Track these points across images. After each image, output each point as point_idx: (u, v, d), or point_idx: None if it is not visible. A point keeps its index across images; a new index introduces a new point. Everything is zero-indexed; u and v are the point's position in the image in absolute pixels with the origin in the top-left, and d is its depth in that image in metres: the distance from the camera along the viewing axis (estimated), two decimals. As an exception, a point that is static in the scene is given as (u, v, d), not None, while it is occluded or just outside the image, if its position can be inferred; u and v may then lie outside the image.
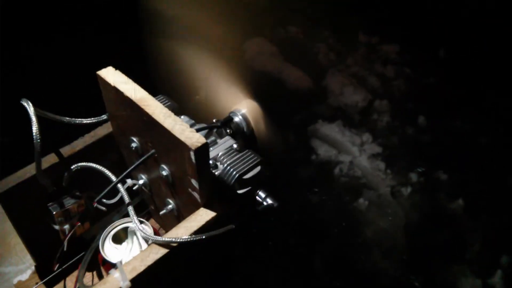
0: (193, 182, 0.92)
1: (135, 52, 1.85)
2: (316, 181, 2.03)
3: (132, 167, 1.00)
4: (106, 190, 0.97)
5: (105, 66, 1.10)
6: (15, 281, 1.15)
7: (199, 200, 0.95)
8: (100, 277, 1.14)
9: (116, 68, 1.07)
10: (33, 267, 1.15)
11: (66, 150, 1.08)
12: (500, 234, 1.82)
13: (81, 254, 1.11)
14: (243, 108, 1.22)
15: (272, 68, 2.42)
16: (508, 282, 1.71)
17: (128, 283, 0.83)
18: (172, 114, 0.92)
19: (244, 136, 1.26)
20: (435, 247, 1.86)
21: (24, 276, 1.16)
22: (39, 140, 0.94)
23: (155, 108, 0.95)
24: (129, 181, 1.07)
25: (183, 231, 0.91)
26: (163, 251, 0.90)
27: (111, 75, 1.02)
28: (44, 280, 1.11)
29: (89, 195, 1.12)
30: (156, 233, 1.12)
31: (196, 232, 0.91)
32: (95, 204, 1.00)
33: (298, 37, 2.57)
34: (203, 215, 0.95)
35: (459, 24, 2.41)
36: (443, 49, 2.39)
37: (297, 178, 2.05)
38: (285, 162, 1.93)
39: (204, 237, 0.87)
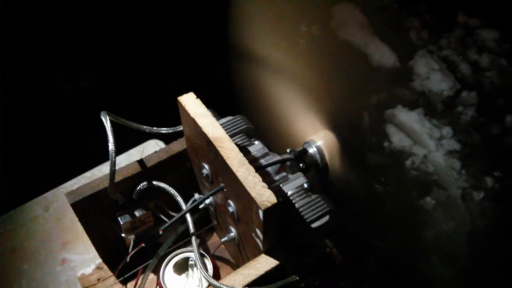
0: (258, 231, 0.97)
1: (219, 69, 1.89)
2: (384, 170, 2.04)
3: (199, 200, 1.07)
4: (174, 219, 1.05)
5: (189, 81, 1.13)
6: (79, 273, 1.26)
7: (261, 247, 1.01)
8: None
9: (200, 84, 1.10)
10: (97, 262, 1.26)
11: (139, 164, 1.15)
12: None
13: (143, 265, 1.21)
14: (319, 139, 1.23)
15: (358, 40, 2.36)
16: None
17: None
18: (246, 162, 0.96)
19: (317, 170, 1.28)
20: (498, 262, 1.86)
21: (88, 270, 1.27)
22: (114, 158, 1.01)
23: (230, 152, 1.00)
24: (197, 196, 1.13)
25: (241, 279, 0.99)
26: (218, 296, 0.97)
27: (191, 104, 1.07)
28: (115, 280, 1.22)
29: (157, 204, 1.20)
30: (216, 270, 1.20)
31: (255, 282, 0.98)
32: (160, 232, 1.07)
33: (392, 7, 2.48)
34: (263, 263, 1.02)
35: None
36: (547, 42, 2.27)
37: (365, 164, 2.05)
38: (354, 145, 1.93)
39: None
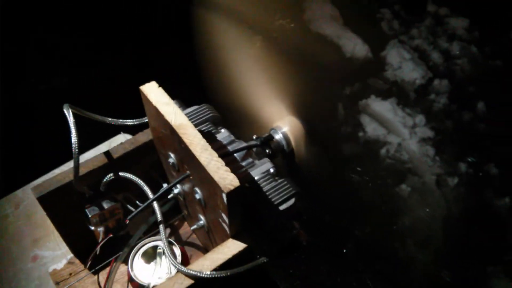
0: (224, 216, 0.99)
1: (184, 59, 1.91)
2: (360, 159, 2.06)
3: (166, 188, 1.09)
4: (140, 208, 1.07)
5: (153, 70, 1.13)
6: (50, 269, 1.27)
7: (228, 231, 1.02)
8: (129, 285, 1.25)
9: (165, 73, 1.11)
10: (68, 256, 1.27)
11: (105, 156, 1.16)
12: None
13: (115, 256, 1.21)
14: (285, 125, 1.25)
15: (331, 32, 2.38)
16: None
17: (151, 312, 0.93)
18: (209, 148, 0.97)
19: (284, 155, 1.30)
20: (473, 244, 1.90)
21: (59, 265, 1.28)
22: (77, 150, 1.01)
23: (193, 138, 1.01)
24: (165, 186, 1.14)
25: (209, 264, 1.00)
26: (187, 282, 0.99)
27: (153, 93, 1.08)
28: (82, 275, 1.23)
29: (125, 196, 1.21)
30: (184, 257, 1.21)
31: (222, 265, 0.99)
32: (127, 221, 1.08)
33: (362, -1, 2.50)
34: (231, 247, 1.03)
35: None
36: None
37: (341, 154, 2.07)
38: (330, 135, 1.95)
39: (229, 273, 0.95)
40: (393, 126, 2.25)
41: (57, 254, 1.38)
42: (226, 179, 0.95)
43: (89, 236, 1.25)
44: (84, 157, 1.26)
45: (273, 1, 2.23)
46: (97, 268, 1.28)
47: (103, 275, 1.28)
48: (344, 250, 2.04)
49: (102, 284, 1.25)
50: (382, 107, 2.28)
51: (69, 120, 1.07)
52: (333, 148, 2.16)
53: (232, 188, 0.94)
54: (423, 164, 2.20)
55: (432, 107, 2.29)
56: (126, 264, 1.28)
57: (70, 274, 1.30)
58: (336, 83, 2.30)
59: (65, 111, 1.08)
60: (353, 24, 2.46)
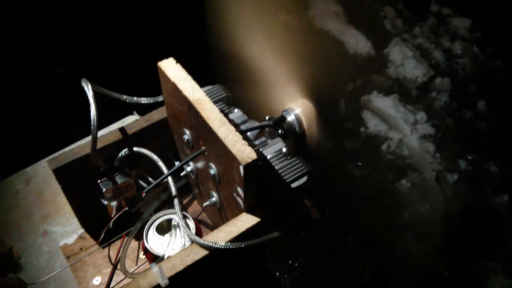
0: (239, 189, 1.01)
1: (197, 41, 1.94)
2: (361, 154, 2.10)
3: (181, 163, 1.10)
4: (156, 182, 1.08)
5: (167, 52, 1.16)
6: (61, 243, 1.28)
7: (242, 206, 1.04)
8: (139, 260, 1.26)
9: (178, 54, 1.13)
10: (79, 232, 1.28)
11: (120, 132, 1.17)
12: (541, 237, 1.89)
13: (126, 231, 1.23)
14: (297, 107, 1.27)
15: (334, 28, 2.41)
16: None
17: (166, 281, 0.95)
18: (227, 122, 0.99)
19: (295, 137, 1.32)
20: (470, 240, 1.94)
21: (70, 240, 1.29)
22: (96, 123, 1.03)
23: (211, 113, 1.03)
24: (177, 164, 1.16)
25: (223, 235, 1.02)
26: (202, 252, 1.01)
27: (172, 69, 1.10)
28: (96, 247, 1.24)
29: (138, 172, 1.23)
30: (198, 230, 1.22)
31: (236, 238, 1.01)
32: (143, 195, 1.10)
33: (367, -4, 2.54)
34: (245, 221, 1.05)
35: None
36: (517, 30, 2.34)
37: (342, 149, 2.10)
38: (332, 136, 1.98)
39: (243, 245, 0.97)
40: (394, 122, 2.28)
41: (67, 229, 1.39)
42: (244, 152, 0.97)
43: (100, 212, 1.26)
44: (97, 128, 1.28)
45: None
46: (108, 242, 1.29)
47: (113, 250, 1.29)
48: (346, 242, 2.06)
49: (113, 259, 1.26)
50: (384, 103, 2.31)
51: (88, 93, 1.08)
52: (335, 142, 2.19)
53: (249, 160, 0.96)
54: (423, 160, 2.23)
55: (433, 105, 2.32)
56: (138, 239, 1.29)
57: (81, 248, 1.31)
58: (339, 79, 2.33)
59: (84, 85, 1.09)
60: (357, 21, 2.49)
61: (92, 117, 1.07)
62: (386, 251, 2.05)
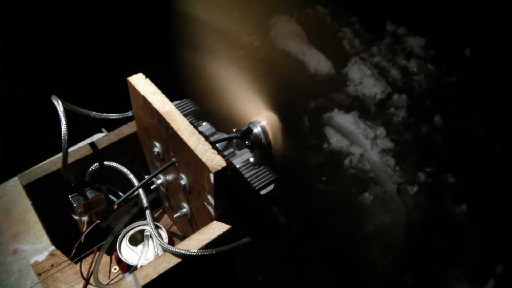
0: (209, 198, 1.04)
1: (164, 57, 1.98)
2: (325, 170, 2.15)
3: (152, 174, 1.13)
4: (128, 194, 1.11)
5: (135, 68, 1.19)
6: (32, 260, 1.28)
7: (213, 214, 1.07)
8: (112, 274, 1.27)
9: (146, 71, 1.17)
10: (50, 249, 1.29)
11: (91, 147, 1.20)
12: (499, 243, 1.94)
13: (98, 245, 1.24)
14: (263, 119, 1.32)
15: (295, 49, 2.49)
16: (499, 292, 1.86)
17: (140, 289, 0.97)
18: (196, 132, 1.03)
19: (261, 147, 1.36)
20: (433, 249, 1.99)
21: (41, 257, 1.29)
22: (66, 138, 1.06)
23: (181, 124, 1.07)
24: (148, 176, 1.19)
25: (195, 243, 1.05)
26: (175, 260, 1.03)
27: (141, 83, 1.13)
28: (67, 263, 1.25)
29: (108, 187, 1.25)
30: (170, 239, 1.25)
31: (207, 245, 1.04)
32: (115, 206, 1.12)
33: (325, 19, 2.62)
34: (216, 229, 1.08)
35: (489, 26, 2.45)
36: (469, 49, 2.44)
37: (307, 165, 2.15)
38: (296, 148, 2.03)
39: (214, 252, 1.00)
40: (355, 138, 2.34)
41: (37, 247, 1.39)
42: (214, 160, 1.01)
43: (70, 228, 1.28)
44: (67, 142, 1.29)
45: (240, 18, 2.33)
46: (79, 258, 1.30)
47: (85, 265, 1.30)
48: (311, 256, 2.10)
49: (85, 274, 1.27)
50: (345, 119, 2.37)
51: (58, 109, 1.10)
52: (300, 158, 2.24)
53: (219, 168, 1.00)
54: (384, 174, 2.29)
55: (392, 120, 2.40)
56: (109, 254, 1.30)
57: (52, 265, 1.32)
58: (302, 98, 2.39)
59: (54, 102, 1.11)
60: (317, 42, 2.58)
61: (63, 132, 1.09)
62: (352, 262, 2.09)
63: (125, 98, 1.29)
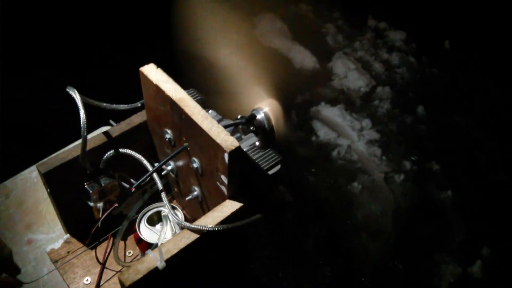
0: (223, 177, 1.11)
1: (167, 49, 2.05)
2: (314, 161, 2.24)
3: (167, 158, 1.19)
4: (144, 177, 1.16)
5: (139, 60, 1.25)
6: (47, 249, 1.33)
7: (226, 193, 1.14)
8: (127, 257, 1.32)
9: (149, 61, 1.22)
10: (64, 237, 1.33)
11: (105, 135, 1.26)
12: (484, 227, 2.04)
13: (112, 232, 1.30)
14: (266, 106, 1.39)
15: (281, 45, 2.57)
16: (486, 272, 1.94)
17: (164, 264, 1.03)
18: (209, 116, 1.09)
19: (265, 132, 1.43)
20: (421, 234, 2.10)
21: (56, 245, 1.34)
22: (85, 126, 1.12)
23: (194, 109, 1.13)
24: (157, 165, 1.24)
25: (210, 220, 1.10)
26: (193, 236, 1.09)
27: (153, 73, 1.19)
28: (82, 250, 1.30)
29: (121, 175, 1.30)
30: (186, 219, 1.31)
31: (222, 222, 1.10)
32: (133, 190, 1.18)
33: (308, 15, 2.71)
34: (229, 206, 1.14)
35: (467, 19, 2.56)
36: (448, 41, 2.55)
37: (296, 157, 2.23)
38: (287, 141, 2.11)
39: (229, 227, 1.07)
40: (342, 130, 2.43)
41: (51, 236, 1.42)
42: (227, 141, 1.07)
43: (84, 215, 1.32)
44: (74, 145, 1.34)
45: (224, 16, 2.40)
46: (94, 244, 1.34)
47: (100, 251, 1.35)
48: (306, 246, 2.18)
49: (101, 259, 1.33)
50: (332, 112, 2.46)
51: (76, 98, 1.15)
52: (289, 152, 2.32)
53: (233, 148, 1.06)
54: (371, 164, 2.39)
55: (377, 112, 2.49)
56: (123, 239, 1.36)
57: (68, 252, 1.36)
58: (289, 92, 2.47)
59: (71, 92, 1.17)
60: (301, 38, 2.66)
61: (82, 120, 1.13)
62: (344, 250, 2.18)
63: (127, 92, 1.35)
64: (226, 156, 1.05)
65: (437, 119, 2.38)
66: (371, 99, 2.44)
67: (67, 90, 1.16)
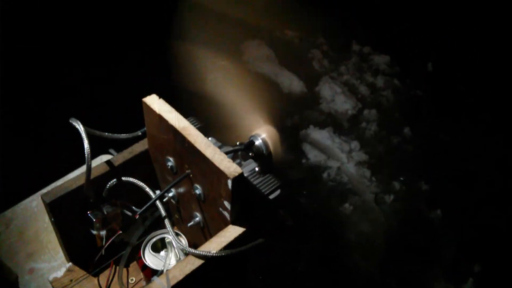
0: (226, 203, 1.15)
1: (166, 78, 2.11)
2: (305, 184, 2.28)
3: (170, 185, 1.23)
4: (148, 205, 1.19)
5: (139, 91, 1.29)
6: (50, 277, 1.35)
7: (228, 218, 1.18)
8: (129, 284, 1.35)
9: (148, 92, 1.27)
10: (67, 265, 1.36)
11: (107, 164, 1.29)
12: (474, 244, 2.10)
13: (113, 258, 1.33)
14: (263, 132, 1.44)
15: (268, 71, 2.63)
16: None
17: (171, 290, 1.06)
18: (212, 144, 1.14)
19: (263, 158, 1.48)
20: (412, 253, 2.13)
21: (59, 273, 1.36)
22: (89, 156, 1.16)
23: (197, 137, 1.17)
24: (159, 192, 1.28)
25: (214, 245, 1.14)
26: (198, 262, 1.13)
27: (156, 103, 1.23)
28: (84, 276, 1.33)
29: (123, 203, 1.33)
30: (189, 245, 1.34)
31: (226, 247, 1.14)
32: (136, 217, 1.22)
33: (294, 41, 2.79)
34: (232, 232, 1.18)
35: (448, 41, 2.65)
36: (431, 63, 2.63)
37: (288, 180, 2.28)
38: (284, 165, 2.17)
39: (233, 252, 1.11)
40: (331, 152, 2.49)
41: (53, 265, 1.44)
42: (230, 167, 1.11)
43: (86, 244, 1.36)
44: (74, 174, 1.38)
45: (213, 44, 2.46)
46: (97, 270, 1.37)
47: (102, 279, 1.38)
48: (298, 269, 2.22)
49: (103, 285, 1.35)
50: (321, 135, 2.52)
51: (80, 130, 1.20)
52: (280, 175, 2.37)
53: (236, 174, 1.10)
54: (361, 185, 2.44)
55: (364, 134, 2.55)
56: (125, 266, 1.39)
57: (71, 280, 1.39)
58: (278, 116, 2.53)
59: (75, 124, 1.21)
60: (288, 64, 2.73)
61: (86, 150, 1.17)
62: (337, 270, 2.22)
63: (126, 120, 1.39)
64: (229, 182, 1.09)
65: (423, 139, 2.44)
66: (359, 121, 2.50)
67: (71, 121, 1.21)
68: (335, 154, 2.42)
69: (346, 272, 2.13)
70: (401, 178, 2.34)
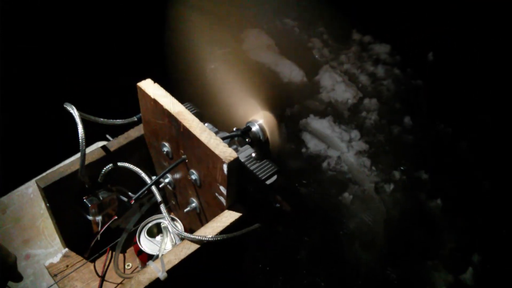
0: (221, 188, 1.14)
1: (161, 65, 2.10)
2: (305, 173, 2.28)
3: (166, 170, 1.22)
4: (143, 190, 1.18)
5: (137, 75, 1.28)
6: (46, 263, 1.35)
7: (224, 203, 1.17)
8: (126, 270, 1.34)
9: (145, 77, 1.26)
10: (63, 251, 1.36)
11: (103, 150, 1.28)
12: (474, 234, 2.08)
13: (110, 245, 1.32)
14: (260, 118, 1.43)
15: (268, 60, 2.62)
16: (478, 279, 1.97)
17: (165, 274, 1.05)
18: (207, 129, 1.13)
19: (260, 144, 1.47)
20: (412, 243, 2.13)
21: (55, 259, 1.36)
22: (84, 141, 1.15)
23: (192, 122, 1.16)
24: (155, 177, 1.27)
25: (210, 230, 1.13)
26: (193, 247, 1.12)
27: (151, 88, 1.22)
28: (81, 263, 1.32)
29: (119, 189, 1.32)
30: (185, 230, 1.34)
31: (221, 232, 1.13)
32: (132, 202, 1.21)
33: (294, 30, 2.77)
34: (228, 217, 1.17)
35: (448, 31, 2.63)
36: (431, 53, 2.61)
37: (287, 169, 2.28)
38: (281, 152, 2.16)
39: (228, 237, 1.11)
40: (332, 141, 2.48)
41: (49, 251, 1.44)
42: (226, 152, 1.11)
43: (82, 229, 1.35)
44: (71, 160, 1.37)
45: (211, 33, 2.45)
46: (94, 257, 1.37)
47: (99, 264, 1.37)
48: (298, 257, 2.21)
49: (100, 272, 1.35)
50: (321, 124, 2.51)
51: (74, 114, 1.19)
52: (280, 164, 2.36)
53: (232, 159, 1.10)
54: (361, 174, 2.43)
55: (365, 123, 2.54)
56: (122, 251, 1.38)
57: (67, 265, 1.38)
58: (278, 106, 2.52)
59: (69, 108, 1.20)
60: (288, 53, 2.72)
61: (80, 135, 1.16)
62: (338, 260, 2.21)
63: (121, 107, 1.38)
64: (225, 167, 1.08)
65: (424, 129, 2.43)
66: (359, 110, 2.49)
67: (65, 106, 1.19)
68: (335, 143, 2.41)
69: (345, 261, 2.12)
70: (402, 168, 2.33)
